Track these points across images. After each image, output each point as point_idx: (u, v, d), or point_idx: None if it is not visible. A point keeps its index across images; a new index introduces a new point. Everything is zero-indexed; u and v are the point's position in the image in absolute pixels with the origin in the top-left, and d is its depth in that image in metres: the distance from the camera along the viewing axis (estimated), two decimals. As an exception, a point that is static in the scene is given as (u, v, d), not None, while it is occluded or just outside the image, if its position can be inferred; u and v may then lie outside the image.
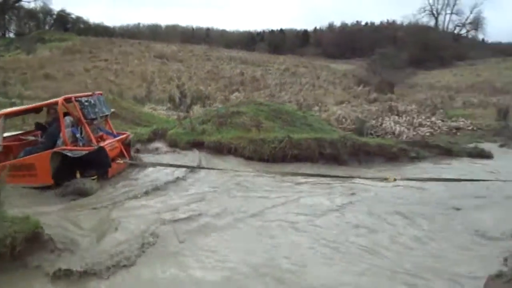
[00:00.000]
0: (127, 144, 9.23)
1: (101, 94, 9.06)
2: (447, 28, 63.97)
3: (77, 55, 33.72)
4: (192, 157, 10.21)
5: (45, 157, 7.57)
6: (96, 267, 4.62)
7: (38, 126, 8.63)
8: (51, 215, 6.24)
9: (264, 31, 73.29)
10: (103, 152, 7.83)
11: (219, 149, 10.63)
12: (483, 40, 64.71)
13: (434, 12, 63.45)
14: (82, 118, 8.04)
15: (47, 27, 58.29)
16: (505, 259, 4.96)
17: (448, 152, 11.25)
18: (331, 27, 70.64)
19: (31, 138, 8.52)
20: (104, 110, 8.84)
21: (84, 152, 7.60)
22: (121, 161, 8.60)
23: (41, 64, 30.08)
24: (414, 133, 14.60)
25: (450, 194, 7.75)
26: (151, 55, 38.01)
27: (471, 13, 62.13)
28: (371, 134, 14.16)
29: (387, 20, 68.44)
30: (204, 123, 12.06)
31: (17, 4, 57.52)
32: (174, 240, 5.43)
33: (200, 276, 4.66)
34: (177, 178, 8.28)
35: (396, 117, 16.66)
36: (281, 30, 72.15)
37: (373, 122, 15.25)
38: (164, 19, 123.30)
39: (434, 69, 46.23)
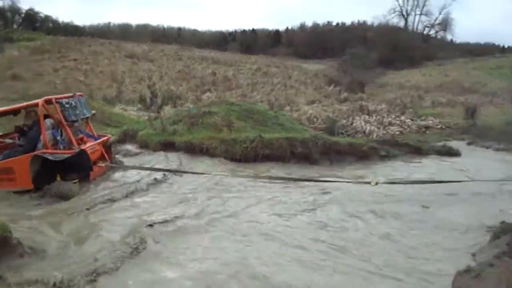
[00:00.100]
0: (108, 147, 9.06)
1: (81, 96, 8.84)
2: (417, 28, 65.00)
3: (46, 55, 32.92)
4: (171, 158, 10.14)
5: (25, 160, 7.30)
6: (67, 275, 4.42)
7: (18, 129, 8.31)
8: (27, 219, 6.11)
9: (236, 31, 73.25)
10: (85, 155, 7.67)
11: (191, 150, 10.54)
12: (451, 40, 65.95)
13: (404, 13, 64.36)
14: (63, 120, 7.82)
15: (15, 26, 56.85)
16: (473, 254, 5.04)
17: (417, 151, 11.42)
18: (302, 27, 70.89)
19: (8, 140, 8.25)
20: (85, 112, 8.64)
21: (65, 156, 7.42)
22: (103, 164, 8.40)
23: (9, 64, 29.31)
24: (384, 132, 14.78)
25: (421, 192, 7.85)
26: (121, 55, 37.45)
27: (439, 14, 63.21)
28: (342, 133, 14.27)
29: (358, 21, 69.20)
30: (175, 123, 11.96)
31: (-17, 3, 56.08)
32: (151, 244, 5.31)
33: (175, 277, 4.57)
34: (156, 180, 8.17)
35: (367, 116, 16.85)
36: (253, 30, 72.19)
37: (344, 121, 15.38)
38: (134, 19, 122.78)
39: (404, 69, 46.90)
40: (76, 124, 8.29)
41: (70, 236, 5.52)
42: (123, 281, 4.45)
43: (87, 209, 6.54)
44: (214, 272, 4.66)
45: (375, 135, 14.04)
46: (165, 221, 5.98)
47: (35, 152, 7.39)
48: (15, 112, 8.54)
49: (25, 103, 8.41)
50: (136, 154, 10.62)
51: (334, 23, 70.08)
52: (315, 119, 16.01)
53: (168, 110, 17.04)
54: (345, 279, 4.59)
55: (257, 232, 5.80)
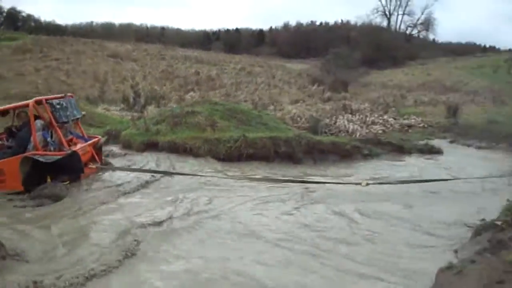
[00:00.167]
0: (98, 148, 8.95)
1: (72, 96, 8.73)
2: (399, 28, 65.45)
3: (28, 55, 32.41)
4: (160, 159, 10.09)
5: (15, 162, 7.16)
6: (50, 280, 4.31)
7: (7, 130, 8.17)
8: (14, 221, 6.02)
9: (219, 30, 73.02)
10: (76, 157, 7.56)
11: (174, 150, 10.49)
12: (434, 40, 66.60)
13: (387, 12, 64.75)
14: (53, 121, 7.71)
15: (-4, 26, 56.14)
16: (455, 251, 5.07)
17: (400, 149, 11.52)
18: (286, 26, 70.93)
19: None
20: (76, 113, 8.53)
21: (56, 157, 7.29)
22: (94, 166, 8.32)
23: (-10, 64, 28.96)
24: (367, 131, 14.83)
25: (404, 190, 7.90)
26: (104, 54, 37.06)
27: (422, 14, 63.72)
28: (325, 132, 14.28)
29: (341, 20, 69.38)
30: (159, 123, 11.89)
31: (-35, 2, 55.19)
32: (140, 246, 5.21)
33: (161, 278, 4.52)
34: (145, 181, 8.10)
35: (350, 115, 16.90)
36: (237, 29, 72.05)
37: (327, 120, 15.39)
38: (118, 18, 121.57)
39: (387, 69, 47.17)
40: (66, 125, 8.18)
41: (58, 238, 5.42)
42: (110, 285, 4.40)
43: (76, 211, 6.45)
44: (199, 272, 4.63)
45: (358, 134, 14.07)
46: (153, 223, 5.93)
47: (26, 154, 7.26)
48: (3, 113, 8.36)
49: (14, 104, 8.31)
50: (123, 155, 10.52)
51: (317, 23, 70.29)
52: (298, 119, 16.02)
53: (151, 110, 16.95)
54: (328, 278, 4.58)
55: (242, 233, 5.77)
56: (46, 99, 7.86)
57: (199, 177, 8.40)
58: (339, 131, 14.46)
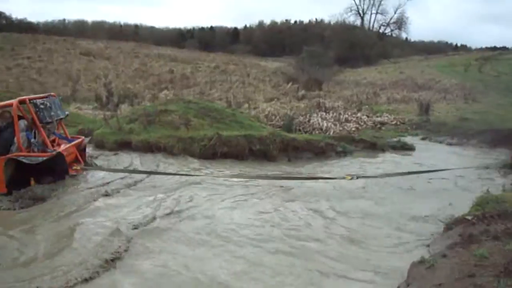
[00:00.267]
0: (82, 149, 8.77)
1: (55, 96, 8.53)
2: (373, 27, 66.35)
3: (-2, 53, 31.93)
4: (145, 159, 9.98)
5: None
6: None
7: None
8: None
9: (194, 28, 72.70)
10: (62, 158, 7.40)
11: (148, 149, 10.39)
12: (406, 39, 67.84)
13: (360, 11, 65.58)
14: (37, 121, 7.49)
15: (-34, 24, 54.77)
16: (428, 246, 5.12)
17: (373, 146, 11.65)
18: (261, 25, 71.08)
19: None
20: (59, 113, 8.33)
21: (41, 159, 7.08)
22: (78, 167, 8.14)
23: (-40, 63, 28.30)
24: (341, 128, 14.92)
25: (377, 187, 8.00)
26: (76, 52, 36.51)
27: (395, 13, 64.82)
28: (299, 130, 14.33)
29: (316, 19, 69.94)
30: (132, 122, 11.75)
31: None
32: (122, 249, 5.09)
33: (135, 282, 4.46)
34: (129, 182, 7.95)
35: (324, 113, 16.96)
36: (211, 27, 71.84)
37: (301, 118, 15.41)
38: (91, 15, 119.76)
39: (360, 67, 47.65)
40: (49, 126, 7.97)
41: (39, 243, 5.28)
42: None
43: (59, 213, 6.28)
44: (173, 275, 4.59)
45: (332, 131, 14.14)
46: (137, 225, 5.81)
47: (9, 155, 7.06)
48: None
49: None
50: (96, 157, 10.32)
51: (292, 22, 70.67)
52: (273, 117, 16.01)
53: (124, 109, 16.72)
54: (299, 277, 4.57)
55: (219, 234, 5.67)
56: (30, 99, 7.65)
57: (179, 176, 8.32)
58: (313, 129, 14.51)
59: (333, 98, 22.57)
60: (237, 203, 7.02)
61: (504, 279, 3.20)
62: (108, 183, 7.83)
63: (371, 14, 66.08)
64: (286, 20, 70.93)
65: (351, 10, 65.39)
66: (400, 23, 64.88)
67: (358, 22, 65.43)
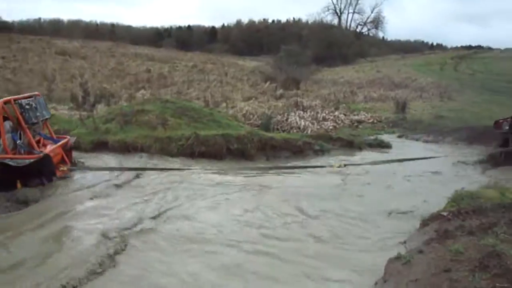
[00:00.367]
0: (68, 149, 8.57)
1: (39, 96, 8.32)
2: (350, 26, 66.91)
3: (-29, 53, 31.26)
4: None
5: None
6: None
7: None
8: None
9: (171, 27, 72.23)
10: (49, 160, 7.21)
11: (124, 149, 10.25)
12: (383, 38, 68.60)
13: (338, 11, 66.08)
14: (22, 122, 7.29)
15: None
16: (404, 242, 5.14)
17: (350, 144, 11.73)
18: (238, 24, 71.01)
19: None
20: (45, 114, 8.16)
21: (28, 161, 6.89)
22: (65, 168, 7.98)
23: None
24: (318, 127, 15.00)
25: (353, 183, 8.04)
26: (52, 52, 35.93)
27: (372, 12, 65.51)
28: (277, 129, 14.35)
29: (293, 18, 70.16)
30: (108, 122, 11.61)
31: None
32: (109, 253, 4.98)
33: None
34: (117, 183, 7.81)
35: (302, 112, 17.03)
36: (189, 26, 71.48)
37: (279, 117, 15.45)
38: (66, 14, 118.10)
39: (338, 66, 48.00)
40: (35, 127, 7.77)
41: (25, 248, 5.11)
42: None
43: (46, 217, 6.08)
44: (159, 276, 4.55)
45: (309, 130, 14.20)
46: (123, 228, 5.70)
47: None
48: None
49: None
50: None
51: (270, 21, 70.71)
52: (251, 116, 15.99)
53: (101, 109, 16.50)
54: (279, 278, 4.55)
55: (203, 237, 5.61)
56: (15, 99, 7.44)
57: (165, 175, 8.29)
58: (291, 128, 14.55)
59: (310, 97, 22.66)
60: (218, 203, 6.97)
61: (479, 273, 3.23)
62: (94, 185, 7.64)
63: (348, 13, 66.82)
64: (264, 19, 71.11)
65: (328, 10, 65.90)
66: (377, 22, 65.70)
67: (336, 22, 66.07)
